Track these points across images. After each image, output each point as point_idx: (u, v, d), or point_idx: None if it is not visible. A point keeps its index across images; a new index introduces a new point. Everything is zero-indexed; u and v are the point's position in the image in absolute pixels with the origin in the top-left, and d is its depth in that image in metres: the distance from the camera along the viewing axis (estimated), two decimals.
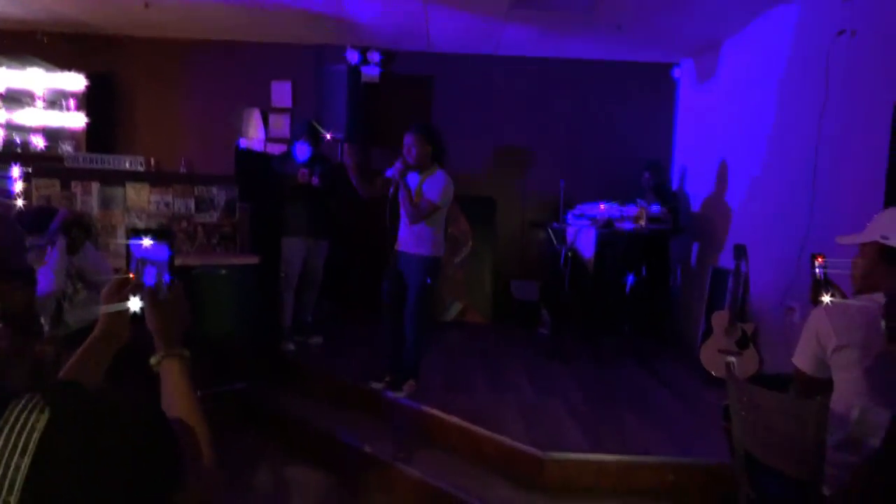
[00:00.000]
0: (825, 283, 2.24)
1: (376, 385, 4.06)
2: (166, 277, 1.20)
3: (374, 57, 6.32)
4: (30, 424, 0.75)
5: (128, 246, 1.19)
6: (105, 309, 1.20)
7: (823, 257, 2.28)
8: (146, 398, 0.91)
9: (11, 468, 0.73)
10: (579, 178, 6.06)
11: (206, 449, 1.07)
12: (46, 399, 0.78)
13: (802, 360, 2.09)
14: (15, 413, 0.76)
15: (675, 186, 6.34)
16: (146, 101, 6.50)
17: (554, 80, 6.55)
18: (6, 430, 0.75)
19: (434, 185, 3.87)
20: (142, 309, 1.18)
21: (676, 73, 6.41)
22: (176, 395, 1.13)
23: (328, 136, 5.60)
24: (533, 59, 6.51)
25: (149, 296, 1.18)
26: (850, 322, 1.96)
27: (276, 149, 6.12)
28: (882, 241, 1.88)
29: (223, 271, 4.36)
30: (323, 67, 6.13)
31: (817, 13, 4.16)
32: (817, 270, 2.27)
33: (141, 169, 4.84)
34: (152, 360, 1.17)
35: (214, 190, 4.77)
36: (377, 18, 5.52)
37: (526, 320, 6.07)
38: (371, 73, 6.29)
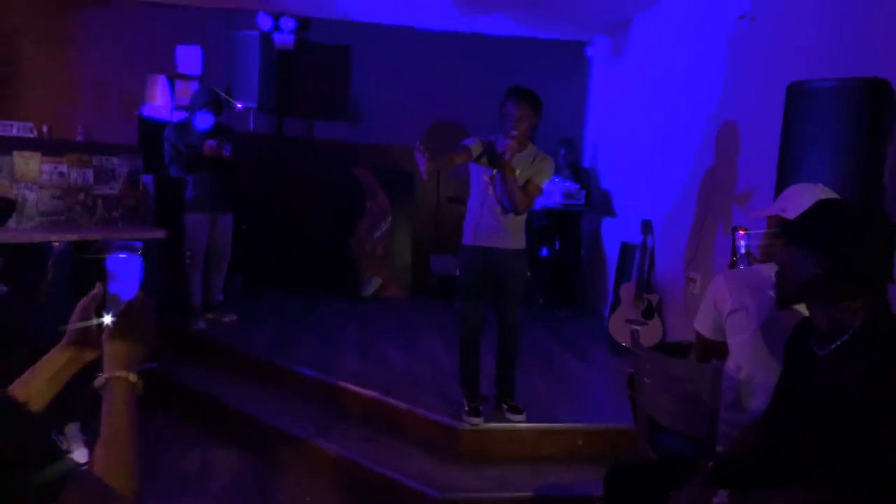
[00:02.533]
0: (745, 256, 2.36)
1: (477, 420, 3.28)
2: (133, 291, 1.14)
3: (288, 24, 6.09)
4: None
5: (101, 260, 1.14)
6: (74, 325, 1.13)
7: (745, 230, 2.39)
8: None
9: None
10: None
11: (131, 483, 0.99)
12: None
13: (702, 324, 2.23)
14: None
15: (586, 164, 6.53)
16: (38, 63, 6.00)
17: (471, 56, 6.55)
18: None
19: (540, 167, 3.30)
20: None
21: (589, 51, 6.56)
22: (113, 423, 1.03)
23: (239, 106, 5.39)
24: (451, 34, 6.48)
25: (120, 308, 1.11)
26: (744, 288, 2.10)
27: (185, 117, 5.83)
28: (781, 213, 2.01)
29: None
30: (233, 33, 5.86)
31: None
32: (740, 243, 2.39)
33: (31, 136, 4.48)
34: (96, 382, 1.07)
35: (115, 160, 4.48)
36: None
37: (444, 294, 6.12)
38: (284, 40, 6.06)
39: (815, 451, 1.57)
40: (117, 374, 1.07)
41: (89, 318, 1.14)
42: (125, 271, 1.14)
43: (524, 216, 3.34)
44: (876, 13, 3.10)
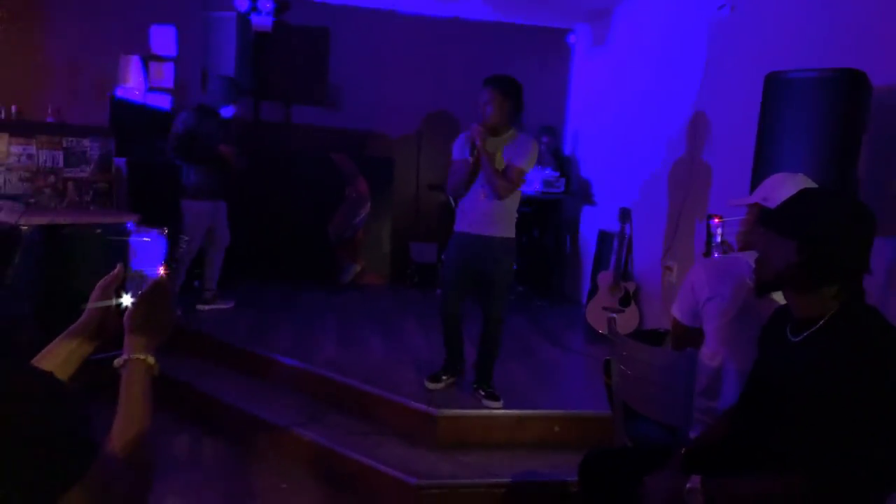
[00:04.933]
0: (721, 244, 2.37)
1: (433, 386, 3.47)
2: (156, 273, 1.17)
3: (266, 5, 5.98)
4: None
5: (127, 241, 1.17)
6: (93, 305, 1.17)
7: (721, 218, 2.40)
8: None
9: None
10: None
11: (147, 459, 1.05)
12: None
13: (679, 310, 2.24)
14: None
15: (567, 151, 6.54)
16: (6, 42, 5.81)
17: (452, 41, 6.50)
18: None
19: (520, 150, 3.24)
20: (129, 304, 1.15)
21: (571, 38, 6.55)
22: (131, 402, 1.08)
23: None
24: (432, 18, 6.42)
25: (142, 287, 1.14)
26: (722, 276, 2.11)
27: (159, 99, 5.70)
28: (762, 202, 2.02)
29: (98, 231, 4.04)
30: (209, 13, 5.73)
31: None
32: (716, 231, 2.40)
33: None
34: (116, 362, 1.11)
35: (87, 142, 4.39)
36: None
37: (424, 282, 6.11)
38: (262, 22, 5.95)
39: (787, 437, 1.59)
40: (137, 356, 1.10)
41: (109, 298, 1.17)
42: (149, 253, 1.17)
43: (514, 204, 3.31)
44: (853, 4, 3.13)
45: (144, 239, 1.16)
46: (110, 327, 1.18)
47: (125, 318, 1.13)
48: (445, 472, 3.02)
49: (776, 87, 2.96)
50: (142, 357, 1.10)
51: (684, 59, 4.47)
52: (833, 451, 1.45)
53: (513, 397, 3.50)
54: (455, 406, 3.36)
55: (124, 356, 1.11)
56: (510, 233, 3.33)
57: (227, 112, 4.59)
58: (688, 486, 1.62)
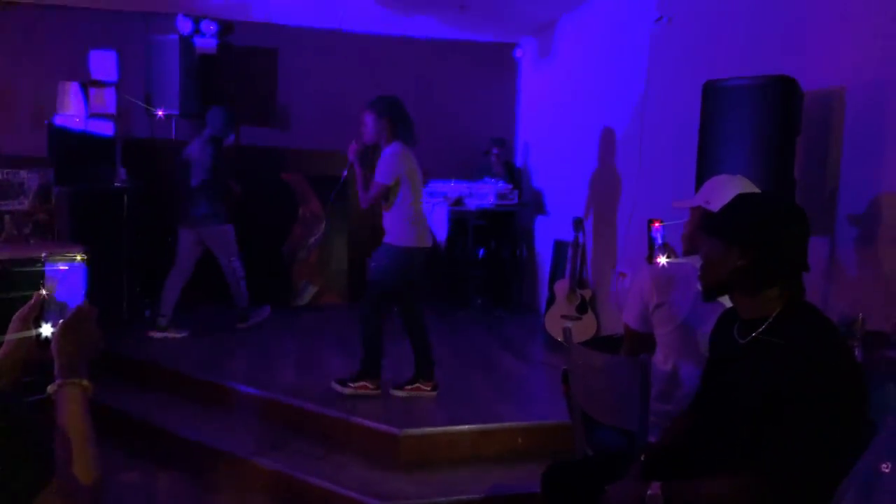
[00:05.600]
0: (662, 247, 2.41)
1: (395, 392, 3.65)
2: (79, 299, 1.18)
3: (210, 27, 5.90)
4: None
5: (43, 270, 1.18)
6: (12, 336, 1.18)
7: (660, 222, 2.45)
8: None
9: None
10: (428, 157, 6.06)
11: (92, 474, 1.06)
12: None
13: (630, 317, 2.27)
14: None
15: (519, 163, 6.61)
16: None
17: (401, 59, 6.52)
18: None
19: (380, 165, 3.47)
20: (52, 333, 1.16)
21: (518, 52, 6.65)
22: (70, 427, 1.09)
23: (160, 114, 5.19)
24: (380, 37, 6.44)
25: (63, 317, 1.16)
26: (669, 281, 2.15)
27: (101, 126, 5.54)
28: (705, 205, 2.06)
29: (38, 265, 3.88)
30: (151, 37, 5.63)
31: None
32: (656, 235, 2.44)
33: None
34: (49, 388, 1.13)
35: (24, 173, 4.22)
36: None
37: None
38: (206, 44, 5.88)
39: (739, 438, 1.62)
40: (71, 380, 1.12)
41: (28, 329, 1.17)
42: (70, 280, 1.19)
43: (400, 213, 3.52)
44: (784, 14, 3.26)
45: (60, 267, 1.18)
46: (30, 358, 1.19)
47: (53, 345, 1.14)
48: (410, 492, 2.99)
49: (714, 95, 3.06)
50: (76, 381, 1.12)
51: (628, 69, 4.58)
52: (779, 451, 1.49)
53: (475, 411, 3.49)
54: (418, 424, 3.34)
55: (58, 381, 1.12)
56: (392, 240, 3.55)
57: (227, 141, 4.83)
58: (648, 492, 1.63)
